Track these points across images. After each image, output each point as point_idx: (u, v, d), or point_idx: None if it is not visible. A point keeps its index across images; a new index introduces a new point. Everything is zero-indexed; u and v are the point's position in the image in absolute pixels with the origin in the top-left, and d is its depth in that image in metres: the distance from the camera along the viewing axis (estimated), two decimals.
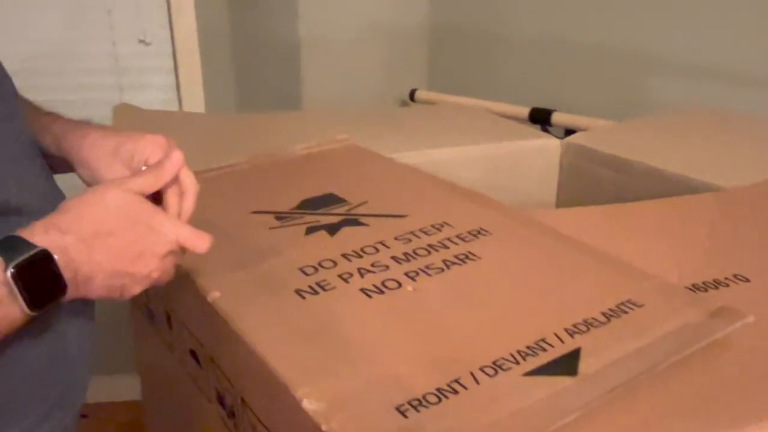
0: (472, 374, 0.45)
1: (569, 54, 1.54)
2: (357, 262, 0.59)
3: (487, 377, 0.45)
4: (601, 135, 1.09)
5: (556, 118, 1.42)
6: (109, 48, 1.55)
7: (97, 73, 1.56)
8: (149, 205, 0.51)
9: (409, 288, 0.55)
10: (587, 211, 0.80)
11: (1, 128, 0.53)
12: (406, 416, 0.42)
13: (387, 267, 0.58)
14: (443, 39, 1.78)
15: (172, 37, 1.56)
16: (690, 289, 0.59)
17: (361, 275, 0.57)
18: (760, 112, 1.20)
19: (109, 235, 0.48)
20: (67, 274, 0.46)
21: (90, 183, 0.58)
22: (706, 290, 0.60)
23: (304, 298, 0.54)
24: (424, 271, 0.57)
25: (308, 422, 0.42)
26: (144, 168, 0.56)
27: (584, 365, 0.46)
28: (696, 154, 0.98)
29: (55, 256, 0.45)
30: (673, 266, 0.63)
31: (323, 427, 0.41)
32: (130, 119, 1.11)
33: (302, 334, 0.50)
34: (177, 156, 0.54)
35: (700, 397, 0.46)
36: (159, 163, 0.54)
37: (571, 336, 0.48)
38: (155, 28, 1.56)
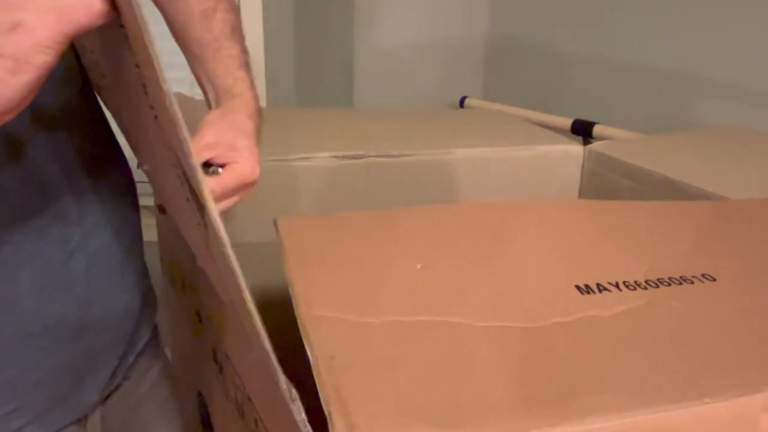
0: None
1: (617, 71, 1.56)
2: None
3: None
4: (623, 145, 1.12)
5: (598, 130, 1.45)
6: None
7: (174, 68, 1.70)
8: None
9: None
10: (586, 204, 0.84)
11: None
12: None
13: None
14: (498, 52, 1.83)
15: None
16: (653, 282, 0.63)
17: None
18: None
19: None
20: None
21: None
22: (669, 285, 0.63)
23: None
24: None
25: None
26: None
27: None
28: (713, 169, 1.00)
29: None
30: (646, 262, 0.67)
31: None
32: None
33: None
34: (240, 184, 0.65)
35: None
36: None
37: None
38: None
